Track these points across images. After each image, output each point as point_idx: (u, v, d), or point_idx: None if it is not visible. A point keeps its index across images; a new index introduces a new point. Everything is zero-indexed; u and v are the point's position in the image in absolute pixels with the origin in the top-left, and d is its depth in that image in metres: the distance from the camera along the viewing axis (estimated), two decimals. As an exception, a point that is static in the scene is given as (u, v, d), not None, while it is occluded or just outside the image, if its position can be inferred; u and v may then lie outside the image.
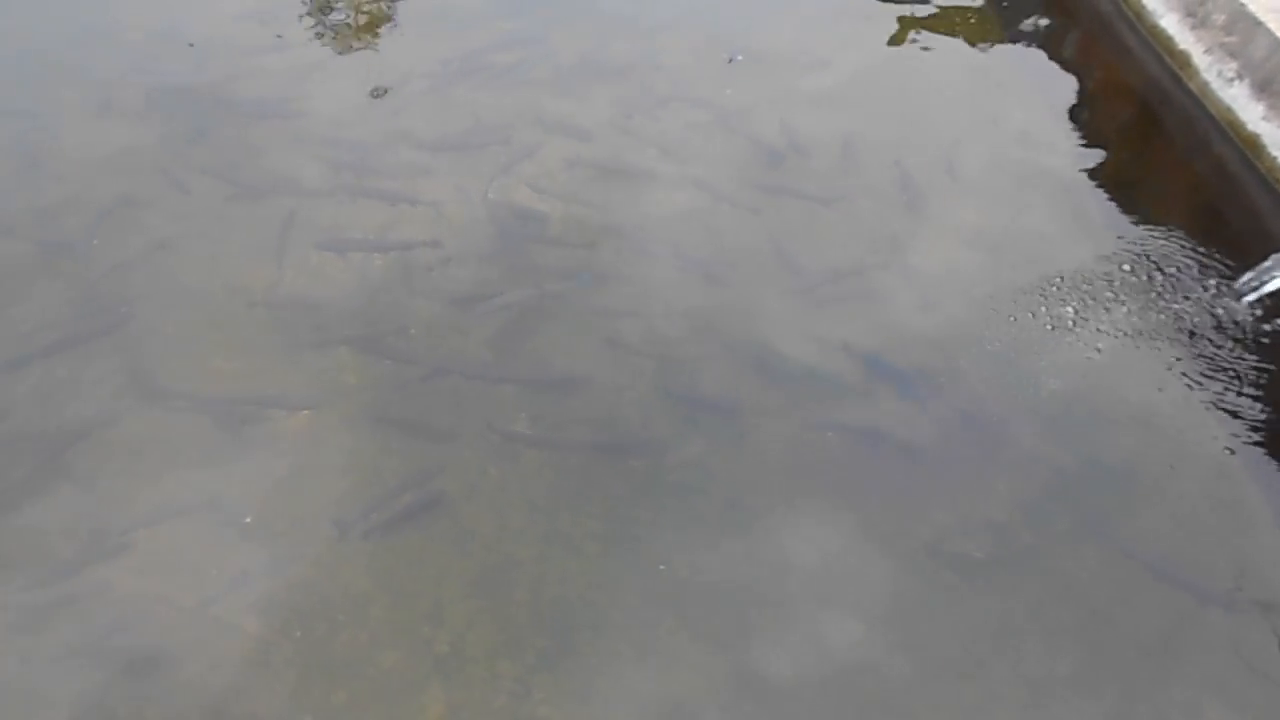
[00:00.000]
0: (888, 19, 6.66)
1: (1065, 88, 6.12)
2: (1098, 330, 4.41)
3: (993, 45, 6.48)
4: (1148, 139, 5.89)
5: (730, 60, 6.09)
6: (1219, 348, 4.35)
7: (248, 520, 3.58)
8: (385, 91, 5.63)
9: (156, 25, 6.07)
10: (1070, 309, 4.51)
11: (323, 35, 6.09)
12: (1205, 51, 5.71)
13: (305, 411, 3.94)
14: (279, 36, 6.03)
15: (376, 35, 6.16)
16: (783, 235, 4.88)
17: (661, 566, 3.54)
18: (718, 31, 6.40)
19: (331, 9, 6.32)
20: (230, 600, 3.36)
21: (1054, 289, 4.61)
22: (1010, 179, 5.35)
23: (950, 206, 5.13)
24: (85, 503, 3.60)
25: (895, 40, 6.47)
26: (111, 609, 3.33)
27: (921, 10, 6.73)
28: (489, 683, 3.21)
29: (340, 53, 5.97)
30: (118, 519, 3.55)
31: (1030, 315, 4.49)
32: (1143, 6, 6.27)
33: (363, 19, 6.26)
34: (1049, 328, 4.43)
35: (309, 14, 6.26)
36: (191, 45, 5.90)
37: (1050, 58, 6.38)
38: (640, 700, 3.20)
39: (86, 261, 4.49)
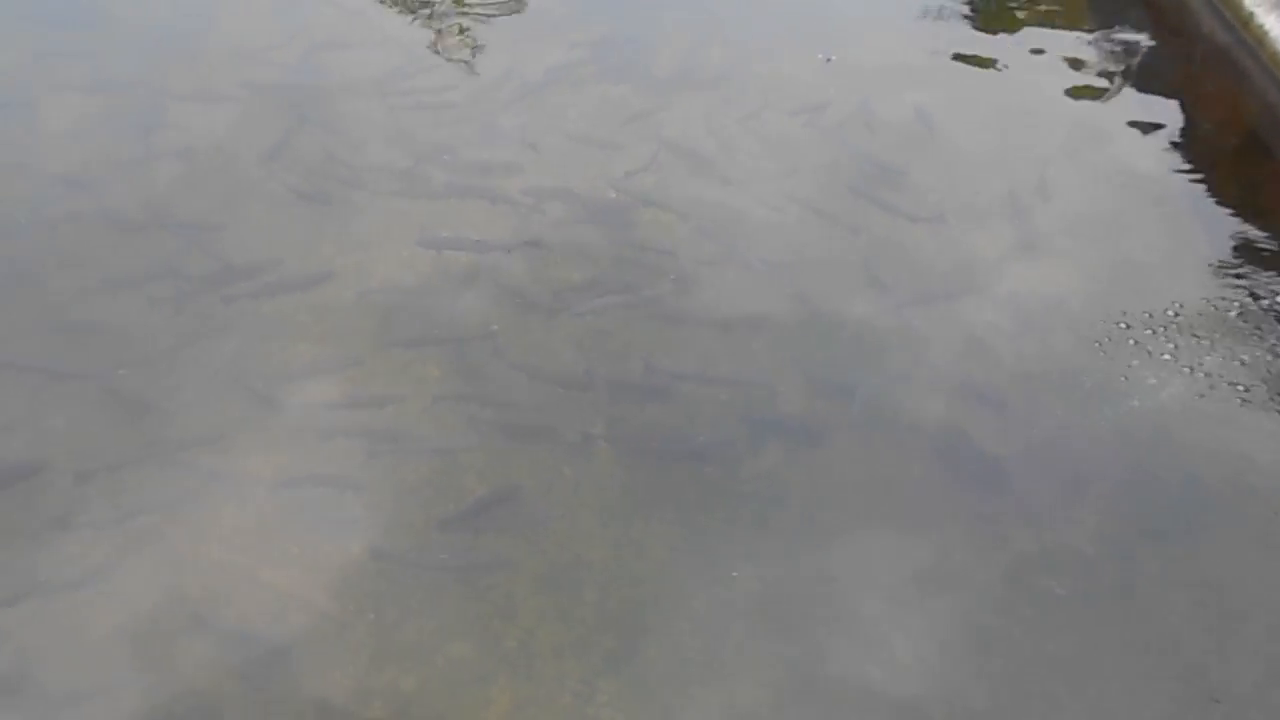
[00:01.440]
0: (988, 41, 6.53)
1: (1171, 111, 5.90)
2: (1200, 369, 4.23)
3: (1095, 64, 6.29)
4: (1259, 168, 5.65)
5: (827, 60, 6.05)
6: (1332, 393, 4.14)
7: (322, 506, 3.66)
8: (485, 92, 5.72)
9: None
10: (1171, 344, 4.34)
11: (421, 37, 6.21)
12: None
13: (389, 406, 4.01)
14: (373, 36, 6.19)
15: (471, 40, 6.26)
16: (871, 252, 4.81)
17: (734, 573, 3.51)
18: (812, 40, 6.34)
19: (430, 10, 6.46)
20: (307, 581, 3.43)
21: (1154, 322, 4.45)
22: (1110, 204, 5.19)
23: (1045, 230, 4.99)
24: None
25: (992, 59, 6.33)
26: (201, 578, 3.43)
27: (1023, 31, 6.58)
28: (555, 681, 3.22)
29: (440, 53, 6.09)
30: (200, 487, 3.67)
31: (1128, 348, 4.34)
32: (1265, 33, 6.01)
33: (459, 23, 6.36)
34: (1148, 363, 4.27)
35: (410, 15, 6.40)
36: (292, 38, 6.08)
37: (1156, 80, 6.16)
38: (705, 711, 3.17)
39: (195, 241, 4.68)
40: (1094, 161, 5.48)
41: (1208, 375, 4.20)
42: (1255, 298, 4.58)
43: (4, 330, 4.25)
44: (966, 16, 6.75)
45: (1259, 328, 4.42)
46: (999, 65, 6.27)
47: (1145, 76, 6.21)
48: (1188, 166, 5.46)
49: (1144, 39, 6.51)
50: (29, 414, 3.88)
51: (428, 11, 6.46)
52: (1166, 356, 4.29)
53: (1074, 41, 6.45)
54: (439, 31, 6.25)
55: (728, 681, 3.25)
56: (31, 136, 5.25)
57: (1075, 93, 6.07)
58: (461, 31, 6.26)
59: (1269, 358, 4.28)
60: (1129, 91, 6.07)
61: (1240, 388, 4.16)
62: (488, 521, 3.68)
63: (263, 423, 3.92)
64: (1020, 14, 6.77)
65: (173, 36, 6.07)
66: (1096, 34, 6.55)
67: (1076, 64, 6.27)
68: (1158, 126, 5.76)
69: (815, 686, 3.26)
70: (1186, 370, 4.22)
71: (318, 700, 3.14)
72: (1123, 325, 4.43)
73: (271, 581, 3.43)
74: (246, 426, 3.90)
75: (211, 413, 3.93)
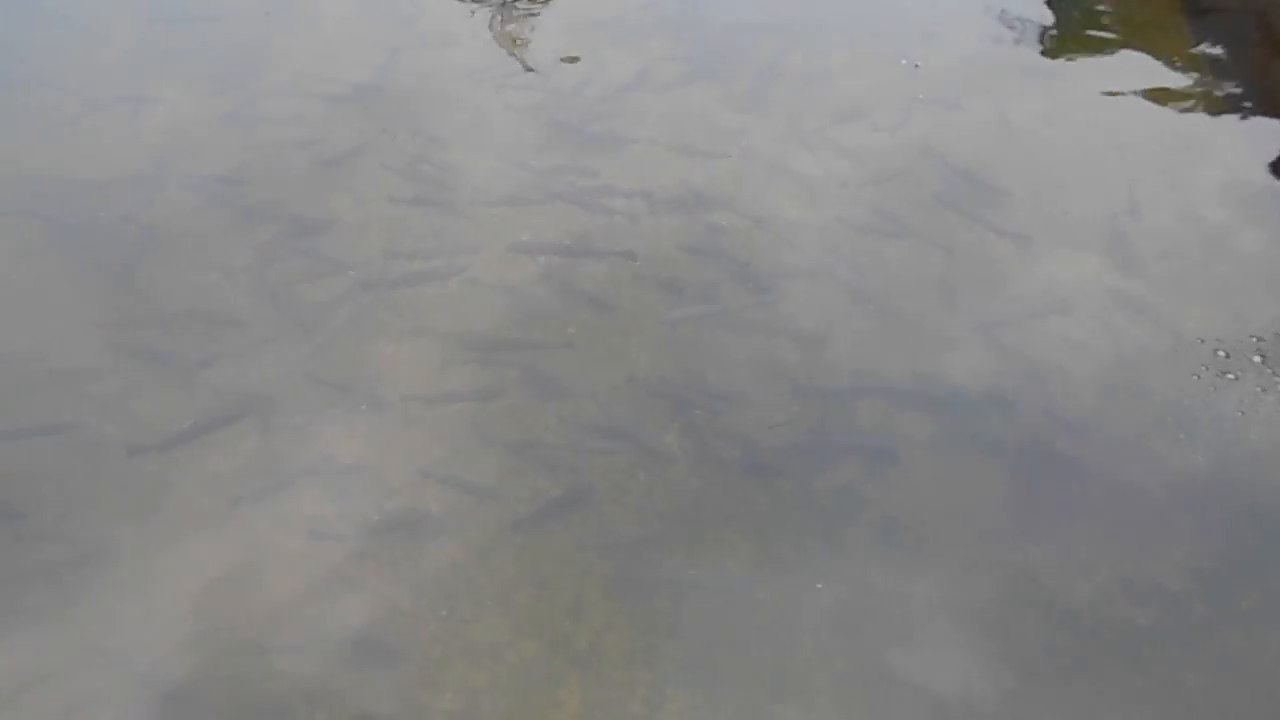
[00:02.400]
0: (1077, 54, 6.37)
1: (1273, 130, 5.68)
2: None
3: (1192, 80, 6.09)
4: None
5: (914, 66, 5.97)
6: None
7: (394, 502, 3.72)
8: (565, 96, 5.75)
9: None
10: (1270, 372, 4.18)
11: (494, 45, 6.26)
12: None
13: (461, 403, 4.06)
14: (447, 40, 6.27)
15: (543, 46, 6.30)
16: (955, 266, 4.73)
17: (818, 585, 3.48)
18: (897, 47, 6.26)
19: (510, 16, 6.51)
20: (381, 575, 3.49)
21: (1252, 350, 4.29)
22: (1205, 225, 5.02)
23: (1136, 249, 4.85)
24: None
25: (1082, 73, 6.17)
26: (270, 562, 3.51)
27: (1115, 45, 6.40)
28: (624, 687, 3.22)
29: (519, 56, 6.14)
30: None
31: (1223, 376, 4.19)
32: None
33: (531, 30, 6.40)
34: (1244, 392, 4.12)
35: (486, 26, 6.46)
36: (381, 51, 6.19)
37: (1257, 97, 5.94)
38: (776, 725, 3.16)
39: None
40: (1189, 180, 5.31)
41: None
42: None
43: (141, 311, 4.40)
44: (1055, 30, 6.60)
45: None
46: (1089, 79, 6.11)
47: (1244, 94, 5.99)
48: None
49: (1244, 55, 6.28)
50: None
51: (508, 17, 6.53)
52: (1260, 388, 4.14)
53: (1170, 56, 6.26)
54: (516, 35, 6.31)
55: (799, 698, 3.22)
56: (131, 132, 5.42)
57: (1169, 109, 5.89)
58: (531, 33, 6.32)
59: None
60: (1227, 109, 5.87)
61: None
62: (560, 522, 3.70)
63: (344, 415, 3.99)
64: (1111, 28, 6.59)
65: (260, 38, 6.24)
66: (1194, 49, 6.35)
67: (1172, 79, 6.09)
68: (1258, 145, 5.56)
69: (887, 706, 3.22)
70: (1285, 401, 4.08)
71: (389, 691, 3.19)
72: (1221, 354, 4.28)
73: (347, 573, 3.49)
74: (327, 418, 3.97)
75: (305, 403, 4.03)
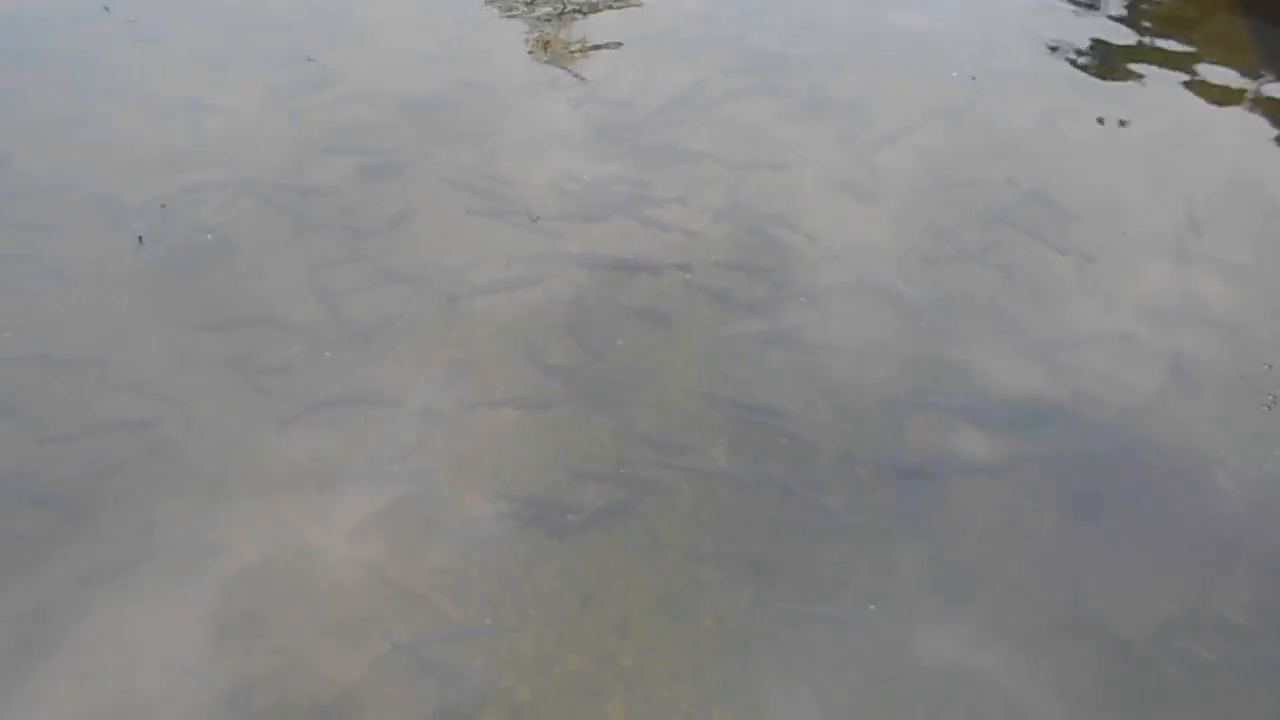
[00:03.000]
0: (1140, 70, 6.25)
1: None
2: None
3: (1257, 98, 5.94)
4: None
5: (971, 79, 5.90)
6: None
7: (440, 504, 3.73)
8: (619, 110, 5.76)
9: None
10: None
11: (541, 59, 6.29)
12: None
13: (509, 409, 4.06)
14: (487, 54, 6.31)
15: (599, 61, 6.32)
16: (1013, 284, 4.64)
17: (871, 607, 3.42)
18: (952, 65, 6.20)
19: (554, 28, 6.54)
20: (426, 581, 3.49)
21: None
22: (1271, 247, 4.88)
23: (1201, 270, 4.72)
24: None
25: (1144, 90, 6.05)
26: (319, 567, 3.53)
27: (1179, 62, 6.27)
28: (669, 704, 3.18)
29: (570, 70, 6.17)
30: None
31: (1290, 401, 4.06)
32: None
33: (586, 44, 6.43)
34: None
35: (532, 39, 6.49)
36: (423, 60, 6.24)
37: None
38: (822, 750, 3.10)
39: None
40: (1254, 201, 5.17)
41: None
42: None
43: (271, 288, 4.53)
44: (1118, 45, 6.48)
45: None
46: (1151, 96, 5.99)
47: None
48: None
49: None
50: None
51: (563, 30, 6.57)
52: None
53: (1233, 74, 6.11)
54: (569, 49, 6.34)
55: (847, 722, 3.16)
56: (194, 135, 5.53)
57: (1233, 128, 5.75)
58: (586, 47, 6.35)
59: None
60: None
61: None
62: (605, 533, 3.68)
63: (398, 421, 4.01)
64: (1174, 44, 6.45)
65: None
66: (1259, 67, 6.19)
67: (1236, 98, 5.94)
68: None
69: (938, 735, 3.15)
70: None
71: (435, 700, 3.19)
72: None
73: (394, 579, 3.50)
74: (380, 423, 4.00)
75: (360, 409, 4.06)
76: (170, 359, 4.20)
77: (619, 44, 6.40)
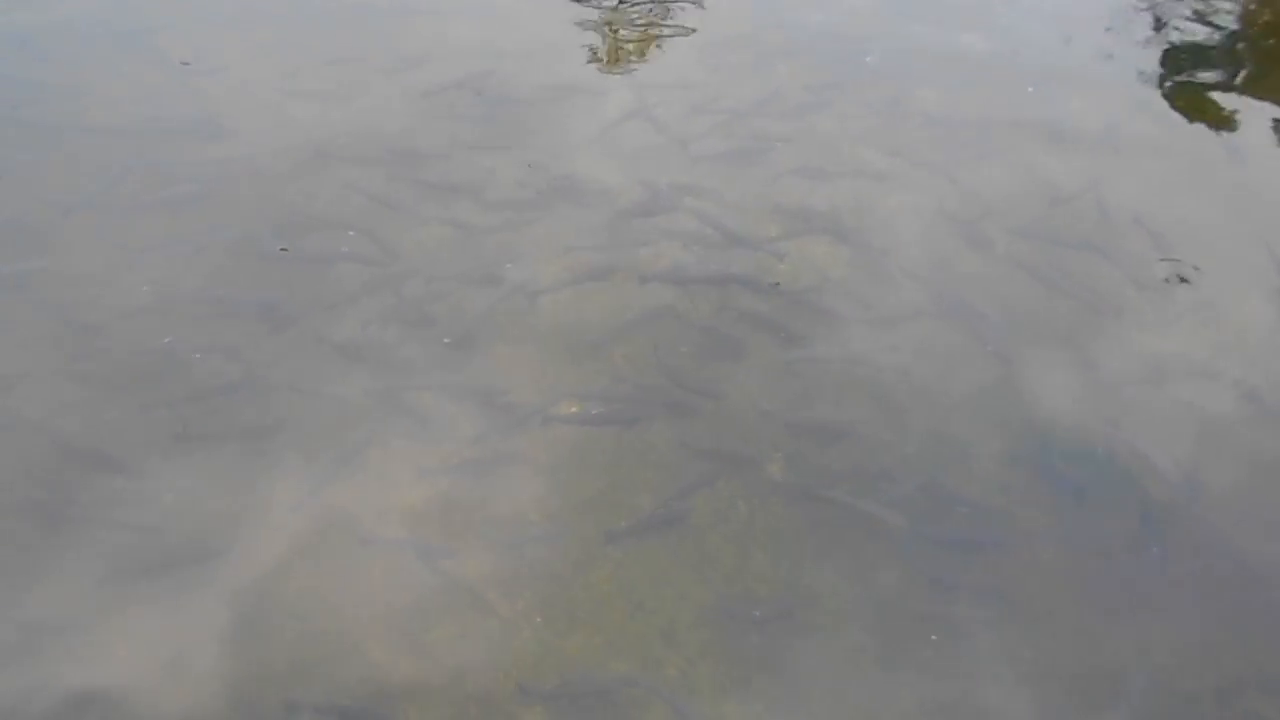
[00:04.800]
0: (1218, 106, 6.08)
1: None
2: None
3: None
4: None
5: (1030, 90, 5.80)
6: None
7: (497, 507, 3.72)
8: (679, 121, 5.73)
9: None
10: None
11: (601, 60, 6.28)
12: None
13: (573, 408, 4.05)
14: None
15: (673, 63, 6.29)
16: (1087, 316, 4.53)
17: (933, 637, 3.35)
18: (1027, 86, 6.08)
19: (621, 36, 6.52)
20: (481, 580, 3.50)
21: None
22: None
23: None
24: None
25: (1223, 128, 5.89)
26: (370, 559, 3.55)
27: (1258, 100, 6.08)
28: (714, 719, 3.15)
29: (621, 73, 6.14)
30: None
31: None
32: None
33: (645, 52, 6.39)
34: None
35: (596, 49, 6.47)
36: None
37: None
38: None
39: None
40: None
41: None
42: None
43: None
44: (1196, 82, 6.32)
45: None
46: (1232, 134, 5.82)
47: None
48: None
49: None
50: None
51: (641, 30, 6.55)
52: None
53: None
54: (643, 50, 6.32)
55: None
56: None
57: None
58: (648, 45, 6.32)
59: None
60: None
61: None
62: (656, 540, 3.65)
63: (460, 417, 4.02)
64: (1249, 83, 6.27)
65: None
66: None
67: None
68: None
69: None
70: None
71: (479, 696, 3.18)
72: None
73: (444, 570, 3.51)
74: (444, 420, 4.00)
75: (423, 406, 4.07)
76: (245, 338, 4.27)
77: (695, 49, 6.36)
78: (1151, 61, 6.51)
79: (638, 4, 6.80)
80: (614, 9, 6.71)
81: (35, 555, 3.45)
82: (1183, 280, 4.72)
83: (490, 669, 3.24)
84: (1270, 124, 5.92)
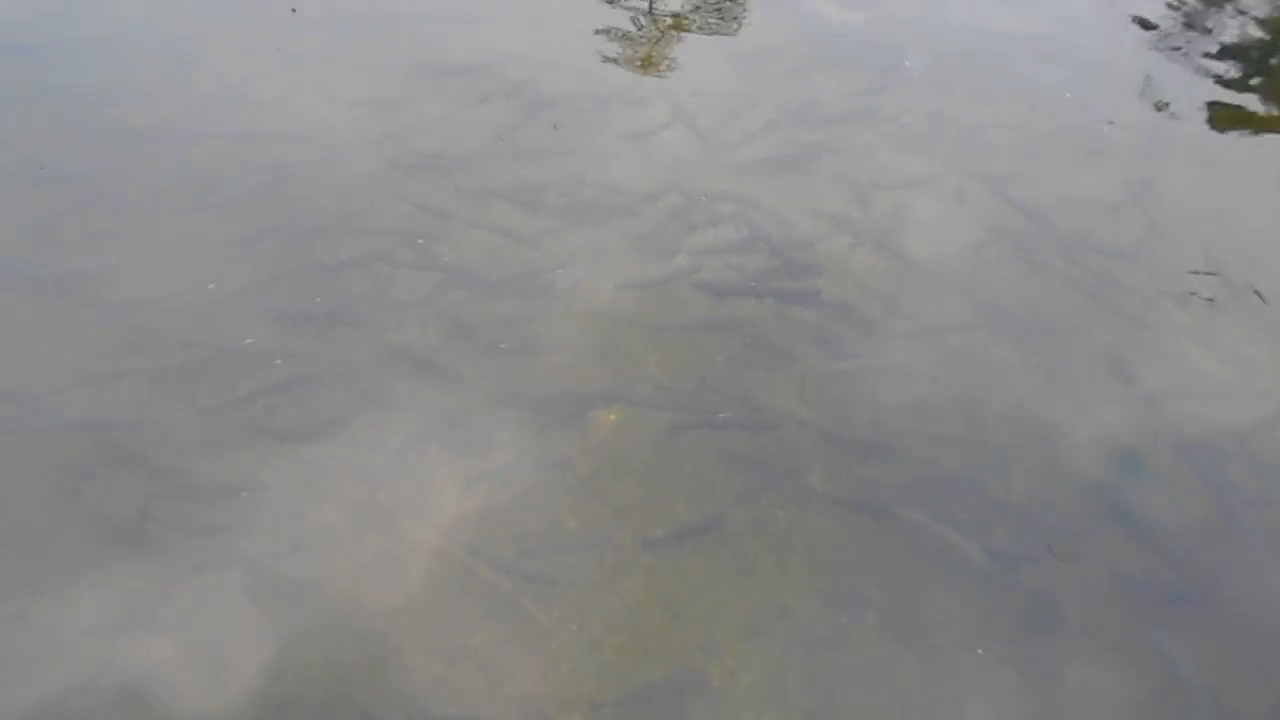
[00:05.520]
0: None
1: None
2: None
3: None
4: None
5: (1109, 124, 5.75)
6: None
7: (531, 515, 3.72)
8: (732, 124, 5.73)
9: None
10: None
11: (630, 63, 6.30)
12: None
13: (613, 416, 4.05)
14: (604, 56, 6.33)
15: (706, 71, 6.29)
16: (1130, 333, 4.47)
17: (980, 651, 3.30)
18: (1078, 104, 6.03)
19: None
20: (518, 590, 3.49)
21: None
22: None
23: None
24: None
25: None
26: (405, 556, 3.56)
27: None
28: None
29: (679, 83, 6.16)
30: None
31: None
32: None
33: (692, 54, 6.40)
34: None
35: (627, 54, 6.50)
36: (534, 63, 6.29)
37: None
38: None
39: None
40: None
41: None
42: None
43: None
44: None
45: None
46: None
47: None
48: None
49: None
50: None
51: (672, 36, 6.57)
52: None
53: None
54: (674, 57, 6.34)
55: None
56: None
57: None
58: (694, 57, 6.33)
59: None
60: None
61: None
62: (692, 548, 3.63)
63: (481, 426, 4.03)
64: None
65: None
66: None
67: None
68: None
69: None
70: None
71: (518, 699, 3.17)
72: None
73: (483, 575, 3.50)
74: (459, 433, 4.01)
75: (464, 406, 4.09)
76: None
77: (728, 58, 6.37)
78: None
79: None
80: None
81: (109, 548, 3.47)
82: (1229, 300, 4.66)
83: (529, 679, 3.23)
84: None
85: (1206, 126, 5.97)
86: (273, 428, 3.88)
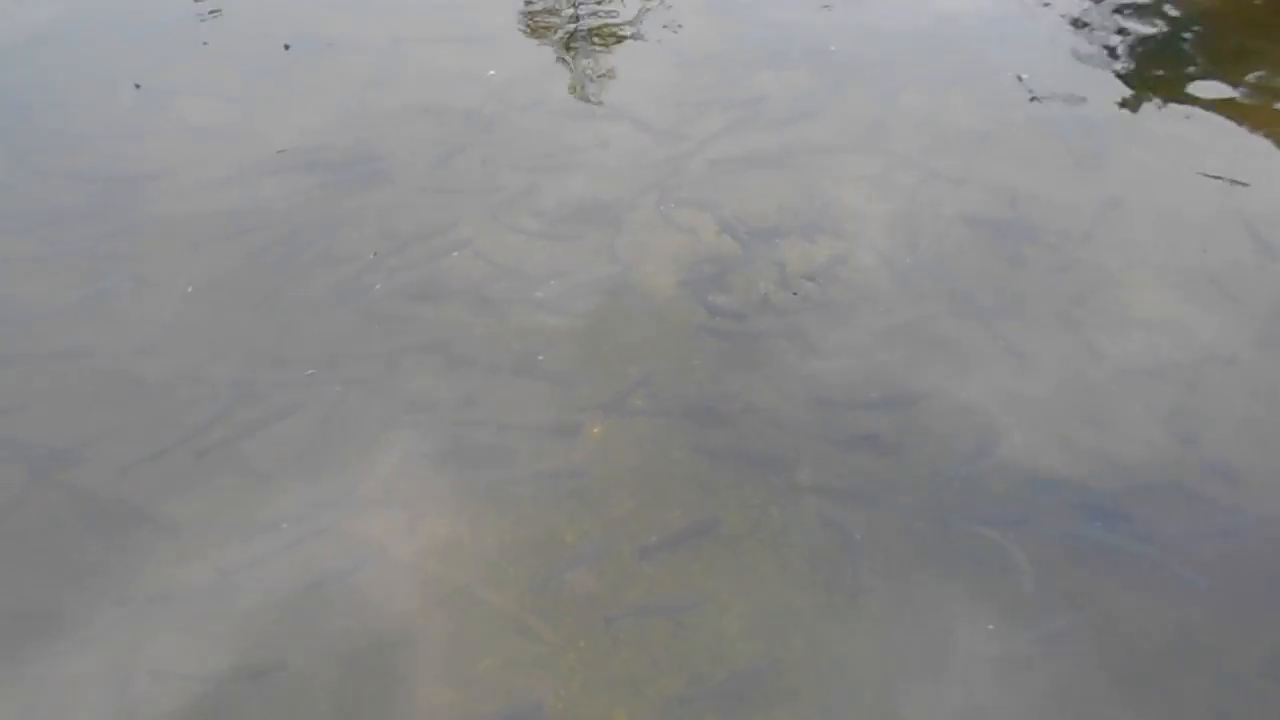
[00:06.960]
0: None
1: None
2: None
3: None
4: None
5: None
6: None
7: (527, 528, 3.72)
8: (680, 131, 5.75)
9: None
10: None
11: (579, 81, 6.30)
12: None
13: (597, 428, 4.06)
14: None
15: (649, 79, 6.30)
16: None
17: (990, 626, 3.36)
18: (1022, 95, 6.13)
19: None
20: (521, 603, 3.49)
21: None
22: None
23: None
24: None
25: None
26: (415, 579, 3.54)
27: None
28: None
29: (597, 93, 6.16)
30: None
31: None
32: None
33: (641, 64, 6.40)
34: None
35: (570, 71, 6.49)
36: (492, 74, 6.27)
37: None
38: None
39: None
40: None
41: None
42: None
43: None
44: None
45: None
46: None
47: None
48: None
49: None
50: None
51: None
52: None
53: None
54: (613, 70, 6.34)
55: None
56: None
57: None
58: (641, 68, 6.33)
59: None
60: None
61: None
62: (690, 553, 3.65)
63: (470, 444, 4.03)
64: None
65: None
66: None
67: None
68: None
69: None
70: None
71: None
72: None
73: (486, 599, 3.50)
74: (446, 452, 4.01)
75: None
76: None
77: (675, 66, 6.38)
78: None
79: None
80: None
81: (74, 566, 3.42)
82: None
83: (538, 692, 3.24)
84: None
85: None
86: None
